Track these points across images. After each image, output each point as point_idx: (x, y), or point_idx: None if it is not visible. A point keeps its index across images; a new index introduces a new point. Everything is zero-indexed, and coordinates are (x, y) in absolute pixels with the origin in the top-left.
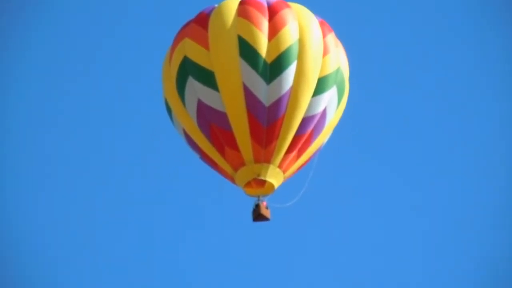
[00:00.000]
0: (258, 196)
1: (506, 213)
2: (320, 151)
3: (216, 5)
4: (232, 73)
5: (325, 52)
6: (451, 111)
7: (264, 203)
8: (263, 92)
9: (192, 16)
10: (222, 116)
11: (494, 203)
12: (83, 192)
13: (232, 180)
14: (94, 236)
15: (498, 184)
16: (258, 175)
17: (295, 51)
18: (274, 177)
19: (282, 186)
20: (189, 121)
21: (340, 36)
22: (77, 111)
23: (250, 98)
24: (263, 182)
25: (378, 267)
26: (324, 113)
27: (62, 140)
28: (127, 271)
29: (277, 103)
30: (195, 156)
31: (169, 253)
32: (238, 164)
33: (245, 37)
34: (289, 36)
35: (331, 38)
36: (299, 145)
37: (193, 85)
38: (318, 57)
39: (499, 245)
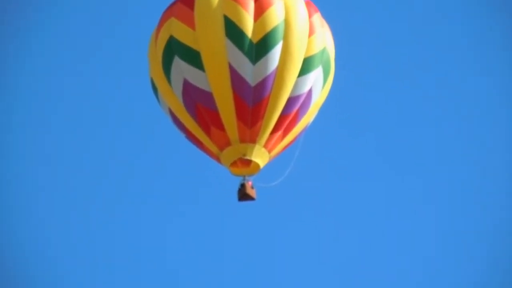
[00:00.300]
0: (244, 176)
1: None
2: (306, 131)
3: None
4: (217, 53)
5: (311, 32)
6: (438, 90)
7: (250, 183)
8: (249, 72)
9: None
10: (207, 96)
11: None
12: (76, 181)
13: (218, 159)
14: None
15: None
16: (244, 154)
17: (280, 31)
18: (260, 157)
19: (267, 166)
20: (175, 100)
21: (326, 16)
22: (65, 96)
23: (235, 78)
24: (249, 161)
25: (365, 247)
26: (309, 93)
27: (59, 134)
28: (115, 246)
29: (263, 83)
30: (181, 135)
31: (155, 232)
32: (223, 143)
33: (231, 17)
34: (275, 16)
35: (317, 18)
36: (284, 125)
37: (179, 64)
38: (304, 37)
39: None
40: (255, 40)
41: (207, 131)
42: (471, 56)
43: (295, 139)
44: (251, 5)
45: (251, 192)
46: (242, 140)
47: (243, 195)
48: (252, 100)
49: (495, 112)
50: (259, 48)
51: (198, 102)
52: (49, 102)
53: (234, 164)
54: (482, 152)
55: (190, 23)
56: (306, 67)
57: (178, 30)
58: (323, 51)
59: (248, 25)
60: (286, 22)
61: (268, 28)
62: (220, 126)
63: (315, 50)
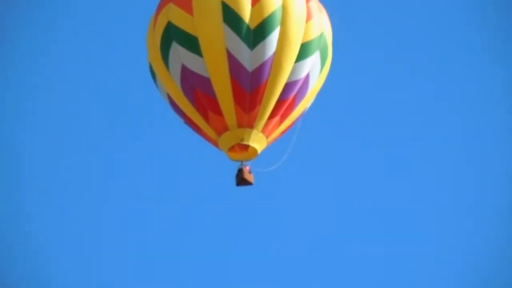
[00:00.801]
0: (242, 161)
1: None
2: (303, 116)
3: None
4: (215, 38)
5: (308, 18)
6: (434, 73)
7: (247, 168)
8: (246, 58)
9: None
10: (205, 81)
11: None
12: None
13: (216, 144)
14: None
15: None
16: (242, 139)
17: (278, 17)
18: (257, 141)
19: (265, 151)
20: (173, 86)
21: (323, 1)
22: (62, 81)
23: (233, 63)
24: (246, 146)
25: (362, 231)
26: (307, 78)
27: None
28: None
29: (260, 69)
30: (180, 120)
31: (152, 217)
32: (221, 129)
33: (229, 3)
34: (272, 2)
35: (314, 3)
36: (282, 110)
37: (177, 50)
38: (301, 22)
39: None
40: (252, 26)
41: (205, 116)
42: (473, 45)
43: (293, 124)
44: None
45: (249, 177)
46: (240, 125)
47: (241, 180)
48: (249, 86)
49: (495, 106)
50: (257, 34)
51: (196, 88)
52: (44, 88)
53: (232, 149)
54: (483, 147)
55: (188, 9)
56: (303, 52)
57: (176, 15)
58: (321, 36)
59: (246, 11)
60: (284, 7)
61: (266, 14)
62: (218, 112)
63: (312, 35)
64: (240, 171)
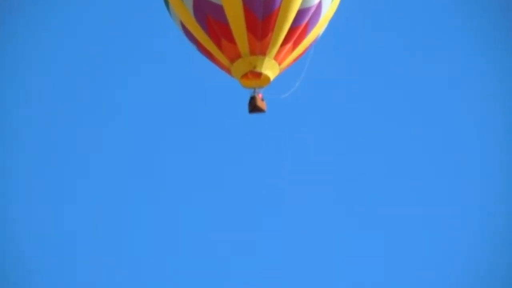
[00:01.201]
0: (254, 88)
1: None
2: (316, 43)
3: None
4: None
5: None
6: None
7: (260, 95)
8: None
9: None
10: (218, 9)
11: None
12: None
13: (229, 71)
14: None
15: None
16: (254, 67)
17: None
18: (270, 69)
19: (278, 78)
20: (186, 13)
21: None
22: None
23: None
24: (259, 74)
25: (370, 160)
26: (319, 5)
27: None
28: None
29: None
30: (193, 47)
31: (166, 148)
32: (234, 56)
33: None
34: None
35: None
36: (294, 37)
37: None
38: None
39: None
40: None
41: (218, 44)
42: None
43: (305, 51)
44: None
45: (262, 104)
46: (253, 52)
47: (253, 108)
48: (262, 13)
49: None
50: None
51: (209, 15)
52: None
53: (244, 76)
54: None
55: None
56: None
57: None
58: None
59: None
60: None
61: None
62: (231, 39)
63: None
64: (252, 99)
